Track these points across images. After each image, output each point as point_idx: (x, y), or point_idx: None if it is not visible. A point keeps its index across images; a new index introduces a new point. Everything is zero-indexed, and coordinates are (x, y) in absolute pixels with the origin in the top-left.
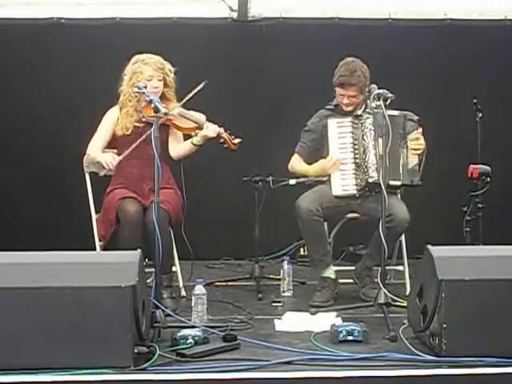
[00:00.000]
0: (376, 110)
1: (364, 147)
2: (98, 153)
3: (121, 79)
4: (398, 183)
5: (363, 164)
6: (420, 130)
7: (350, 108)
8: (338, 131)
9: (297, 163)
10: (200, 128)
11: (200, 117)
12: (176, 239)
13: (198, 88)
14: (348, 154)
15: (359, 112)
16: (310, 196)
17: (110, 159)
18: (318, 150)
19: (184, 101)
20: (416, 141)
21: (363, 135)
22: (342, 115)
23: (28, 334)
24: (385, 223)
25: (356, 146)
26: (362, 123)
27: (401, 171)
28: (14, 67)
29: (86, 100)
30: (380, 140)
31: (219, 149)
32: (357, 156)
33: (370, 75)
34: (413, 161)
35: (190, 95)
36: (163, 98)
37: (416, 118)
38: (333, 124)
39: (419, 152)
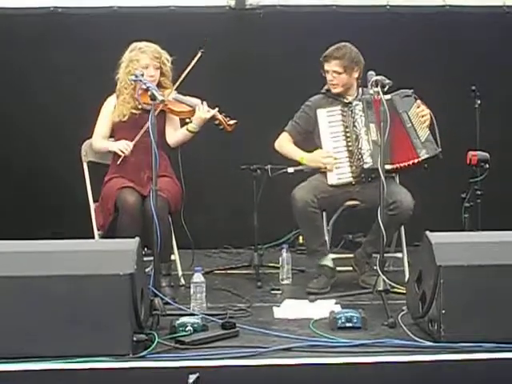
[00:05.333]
0: (364, 97)
1: (356, 134)
2: (109, 143)
3: (118, 66)
4: (417, 160)
5: (357, 151)
6: (418, 102)
7: (337, 89)
8: (329, 120)
9: (287, 145)
10: (195, 112)
11: (195, 101)
12: (175, 228)
13: (195, 59)
14: (340, 142)
15: (350, 99)
16: (306, 187)
17: (125, 146)
18: (310, 133)
19: (185, 73)
20: (418, 115)
21: (354, 122)
22: (333, 99)
23: (26, 323)
24: (388, 210)
25: (348, 134)
26: (351, 110)
27: (416, 148)
28: (12, 56)
29: (83, 89)
30: (372, 125)
31: (218, 137)
32: (349, 144)
33: (364, 63)
34: (424, 134)
35: (190, 67)
36: (159, 86)
37: (410, 91)
38: (322, 114)
39: (426, 124)
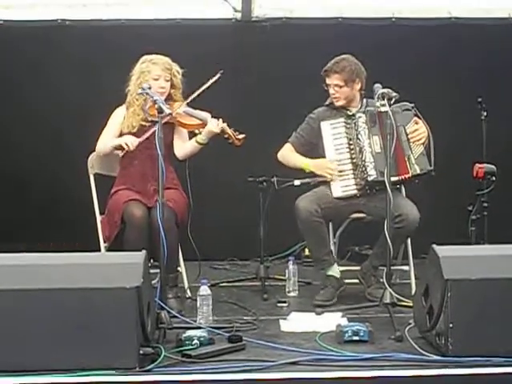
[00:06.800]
0: (368, 109)
1: (360, 146)
2: (112, 140)
3: (128, 79)
4: (406, 176)
5: (361, 163)
6: (415, 118)
7: (339, 102)
8: (332, 133)
9: (290, 153)
10: (205, 125)
11: (205, 114)
12: (181, 240)
13: (214, 79)
14: (344, 154)
15: (354, 111)
16: (309, 197)
17: (131, 140)
18: (313, 145)
19: (200, 90)
20: (415, 132)
21: (357, 134)
22: (336, 111)
23: (32, 336)
24: (394, 223)
25: (352, 146)
26: (355, 123)
27: (409, 163)
28: (19, 69)
29: (89, 102)
30: (376, 138)
31: (224, 150)
32: (353, 156)
33: (366, 74)
34: (418, 150)
35: (207, 85)
36: (170, 99)
37: (410, 105)
38: (326, 126)
39: (422, 142)
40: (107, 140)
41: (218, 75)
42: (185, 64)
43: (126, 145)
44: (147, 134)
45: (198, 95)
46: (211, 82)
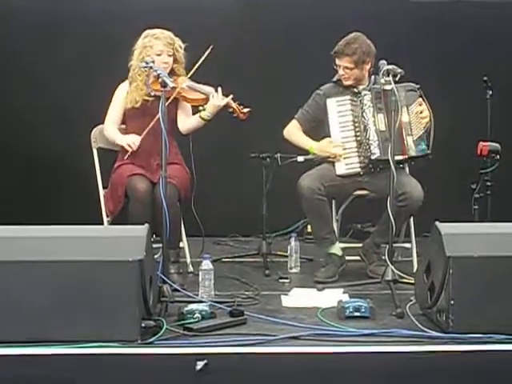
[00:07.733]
0: (373, 86)
1: (364, 124)
2: (118, 135)
3: (131, 53)
4: (405, 157)
5: (365, 141)
6: (419, 100)
7: (348, 82)
8: (338, 110)
9: (296, 132)
10: (208, 99)
11: (209, 89)
12: (185, 216)
13: (206, 53)
14: (349, 132)
15: (360, 88)
16: (312, 175)
17: (133, 140)
18: (319, 122)
19: (195, 68)
20: (419, 113)
21: (362, 112)
22: (343, 88)
23: (34, 308)
24: (397, 201)
25: (356, 124)
26: (360, 100)
27: (406, 144)
28: (21, 42)
29: (92, 75)
30: (380, 116)
31: (227, 125)
32: (358, 134)
33: (376, 53)
34: (417, 132)
35: (200, 61)
36: (173, 73)
37: (416, 86)
38: (332, 103)
39: (423, 123)
40: (113, 124)
41: (209, 50)
42: (186, 38)
43: (130, 146)
44: (151, 125)
45: (195, 71)
46: (204, 56)
